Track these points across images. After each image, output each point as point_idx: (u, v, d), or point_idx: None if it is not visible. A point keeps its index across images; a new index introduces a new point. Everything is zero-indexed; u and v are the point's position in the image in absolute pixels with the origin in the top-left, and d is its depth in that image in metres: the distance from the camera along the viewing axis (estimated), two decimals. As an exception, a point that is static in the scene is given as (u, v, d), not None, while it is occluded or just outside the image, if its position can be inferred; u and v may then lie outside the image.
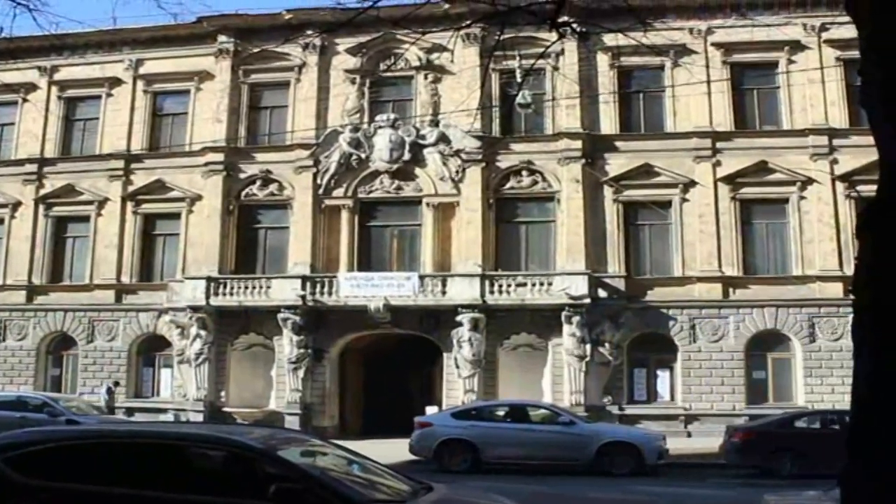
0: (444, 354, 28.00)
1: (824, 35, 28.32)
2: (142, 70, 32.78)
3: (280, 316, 28.25)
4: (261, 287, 29.19)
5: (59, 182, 32.49)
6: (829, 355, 26.42)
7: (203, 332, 28.83)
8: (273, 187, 30.97)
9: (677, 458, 19.94)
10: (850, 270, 25.60)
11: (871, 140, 4.81)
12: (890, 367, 4.12)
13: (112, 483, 5.94)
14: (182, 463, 6.16)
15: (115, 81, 32.82)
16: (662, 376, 27.87)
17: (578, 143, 28.96)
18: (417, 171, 29.94)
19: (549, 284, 27.41)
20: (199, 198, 31.15)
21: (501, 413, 21.07)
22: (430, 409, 25.53)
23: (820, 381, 26.17)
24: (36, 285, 32.02)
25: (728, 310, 27.51)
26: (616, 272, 28.09)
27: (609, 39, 26.52)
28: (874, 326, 4.29)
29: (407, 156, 29.81)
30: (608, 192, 28.83)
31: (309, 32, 28.59)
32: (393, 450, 19.08)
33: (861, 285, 4.50)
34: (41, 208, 32.54)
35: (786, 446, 18.18)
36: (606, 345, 27.05)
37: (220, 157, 30.96)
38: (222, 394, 29.20)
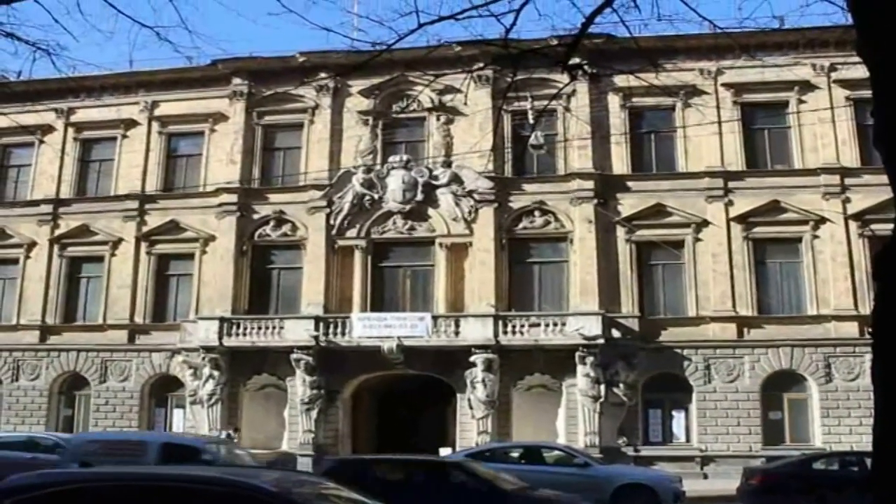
0: (458, 395, 27.87)
1: (834, 75, 28.47)
2: (157, 112, 33.17)
3: (293, 356, 28.21)
4: (274, 327, 29.17)
5: (74, 223, 32.72)
6: (845, 395, 26.15)
7: (216, 373, 28.79)
8: (286, 228, 31.09)
9: (694, 501, 19.71)
10: (865, 309, 25.49)
11: (883, 179, 4.82)
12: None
13: (125, 526, 5.89)
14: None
15: (131, 123, 33.21)
16: (678, 417, 27.62)
17: (590, 184, 29.04)
18: (430, 211, 30.03)
19: (563, 325, 27.30)
20: (213, 238, 31.28)
21: (516, 455, 20.89)
22: (444, 451, 25.34)
23: (837, 422, 25.89)
24: (49, 325, 32.10)
25: (743, 350, 27.32)
26: (629, 312, 27.98)
27: (620, 80, 26.80)
28: (890, 365, 4.26)
29: (420, 196, 29.93)
30: (621, 232, 28.82)
31: (322, 75, 29.00)
32: (406, 492, 18.89)
33: (879, 324, 4.47)
34: (56, 248, 32.75)
35: (804, 489, 17.93)
36: (621, 385, 26.85)
37: (233, 197, 31.14)
38: (230, 432, 29.05)
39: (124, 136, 33.26)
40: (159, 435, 22.63)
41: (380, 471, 16.30)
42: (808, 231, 27.97)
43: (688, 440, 27.30)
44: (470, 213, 29.59)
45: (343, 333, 28.39)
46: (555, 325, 27.46)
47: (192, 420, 29.33)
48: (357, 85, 30.92)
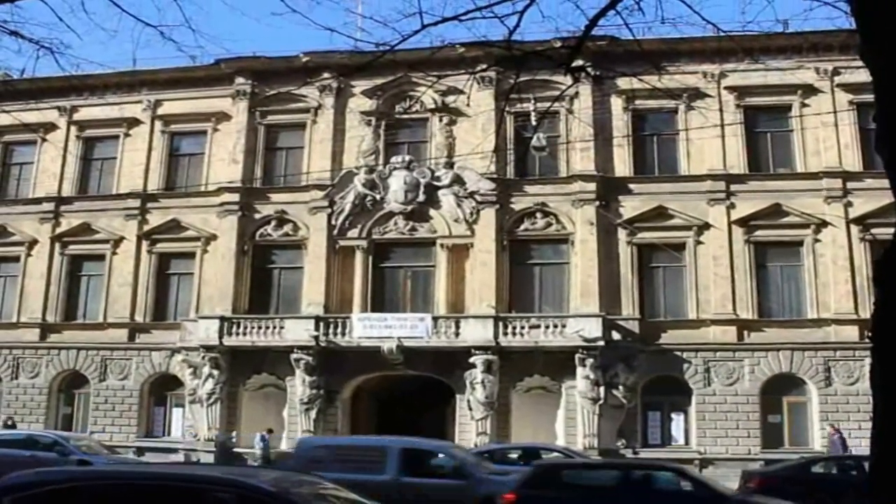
0: (457, 396, 27.87)
1: (837, 79, 28.49)
2: (160, 111, 33.18)
3: (293, 356, 28.21)
4: (274, 327, 29.18)
5: (76, 221, 32.74)
6: (845, 399, 26.15)
7: (215, 372, 28.79)
8: (288, 228, 31.09)
9: None
10: (865, 314, 25.45)
11: (885, 183, 4.83)
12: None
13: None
14: (193, 505, 6.11)
15: (133, 122, 33.24)
16: (677, 419, 27.62)
17: (592, 186, 29.03)
18: (432, 212, 30.03)
19: (563, 326, 27.31)
20: (214, 237, 31.29)
21: (514, 456, 20.94)
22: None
23: (836, 426, 25.85)
24: (50, 323, 32.11)
25: (743, 353, 27.32)
26: (630, 315, 27.98)
27: (623, 83, 26.77)
28: (890, 370, 4.26)
29: (421, 197, 29.92)
30: (622, 234, 28.82)
31: (325, 75, 29.00)
32: (405, 492, 18.83)
33: (879, 329, 4.46)
34: (57, 246, 32.76)
35: (803, 492, 17.89)
36: (620, 387, 26.85)
37: (235, 197, 31.13)
38: (233, 434, 29.04)
39: (127, 135, 33.28)
40: (397, 440, 20.98)
41: (577, 475, 15.95)
42: (809, 235, 27.96)
43: (687, 443, 27.30)
44: (471, 214, 29.57)
45: (343, 334, 28.40)
46: (555, 326, 27.47)
47: (191, 419, 29.34)
48: (360, 85, 30.92)
